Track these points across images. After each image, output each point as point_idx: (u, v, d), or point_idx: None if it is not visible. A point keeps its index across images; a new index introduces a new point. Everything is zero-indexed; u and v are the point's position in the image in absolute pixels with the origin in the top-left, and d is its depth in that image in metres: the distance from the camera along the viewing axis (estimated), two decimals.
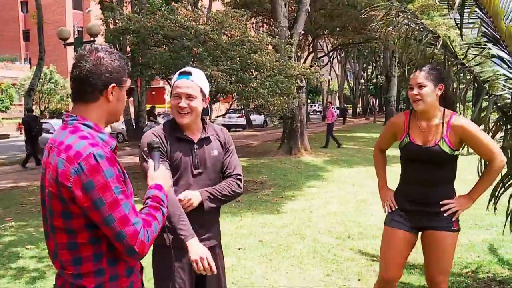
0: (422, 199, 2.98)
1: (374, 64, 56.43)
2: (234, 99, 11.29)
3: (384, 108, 32.50)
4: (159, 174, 2.00)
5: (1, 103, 28.91)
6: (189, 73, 2.60)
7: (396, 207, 3.12)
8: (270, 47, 10.39)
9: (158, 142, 2.15)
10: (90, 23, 14.60)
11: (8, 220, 7.68)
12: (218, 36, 8.72)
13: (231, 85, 8.74)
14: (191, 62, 9.06)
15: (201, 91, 2.63)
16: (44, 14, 18.15)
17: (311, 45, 30.94)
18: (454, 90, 3.90)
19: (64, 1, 43.47)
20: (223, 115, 12.09)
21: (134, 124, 24.77)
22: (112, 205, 1.62)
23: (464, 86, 3.89)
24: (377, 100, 55.87)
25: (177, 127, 2.66)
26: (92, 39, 15.17)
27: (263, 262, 5.23)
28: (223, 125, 28.41)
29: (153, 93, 40.77)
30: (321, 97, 52.40)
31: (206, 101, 2.69)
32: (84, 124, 1.74)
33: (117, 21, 10.11)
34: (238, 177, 2.81)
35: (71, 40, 15.48)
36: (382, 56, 37.00)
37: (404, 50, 4.18)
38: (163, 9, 8.84)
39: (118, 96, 1.82)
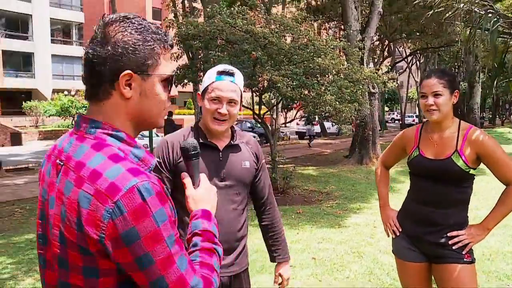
0: (429, 222, 2.56)
1: (456, 70, 53.55)
2: (301, 106, 10.89)
3: (466, 116, 30.58)
4: (202, 193, 1.44)
5: (86, 110, 30.42)
6: (233, 74, 2.21)
7: (400, 230, 2.71)
8: (337, 51, 9.87)
9: (195, 145, 1.53)
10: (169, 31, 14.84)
11: None
12: (278, 39, 8.35)
13: (292, 91, 8.33)
14: (252, 67, 8.77)
15: (241, 95, 2.27)
16: None
17: (386, 49, 29.77)
18: None
19: (145, 13, 45.25)
20: (289, 122, 11.67)
21: None
22: (165, 263, 1.10)
23: None
24: (459, 108, 52.69)
25: (200, 131, 2.29)
26: None
27: (312, 282, 4.76)
28: (296, 132, 28.22)
29: (260, 99, 41.03)
30: (400, 105, 50.42)
31: (241, 106, 2.33)
32: (112, 136, 1.18)
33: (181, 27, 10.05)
34: (270, 199, 2.51)
35: None
36: (464, 61, 34.89)
37: (492, 55, 3.60)
38: (223, 13, 8.63)
39: (141, 89, 1.20)
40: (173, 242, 1.12)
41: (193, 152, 1.51)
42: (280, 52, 8.72)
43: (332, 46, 9.47)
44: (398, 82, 47.85)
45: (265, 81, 8.73)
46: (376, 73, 10.22)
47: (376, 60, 32.00)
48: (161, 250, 1.09)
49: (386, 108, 59.41)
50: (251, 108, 10.35)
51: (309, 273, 4.99)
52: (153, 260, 1.09)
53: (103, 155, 1.13)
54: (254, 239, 5.28)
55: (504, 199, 2.50)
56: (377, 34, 24.66)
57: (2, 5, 37.15)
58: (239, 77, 2.26)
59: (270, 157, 10.44)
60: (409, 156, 2.68)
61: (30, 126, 34.71)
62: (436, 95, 2.50)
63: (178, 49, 10.89)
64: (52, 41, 41.47)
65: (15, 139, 30.15)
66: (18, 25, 39.46)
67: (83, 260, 1.12)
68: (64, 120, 33.44)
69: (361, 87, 9.41)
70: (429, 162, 2.56)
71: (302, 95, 8.62)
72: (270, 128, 10.84)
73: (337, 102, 9.23)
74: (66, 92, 35.20)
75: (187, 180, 1.48)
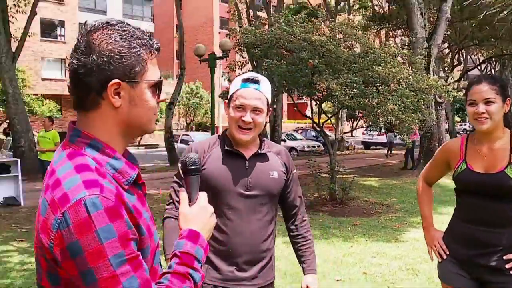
0: (480, 243, 2.32)
1: None
2: (362, 116, 10.65)
3: None
4: (195, 211, 1.32)
5: None
6: (258, 81, 2.17)
7: (448, 253, 2.48)
8: (399, 59, 9.55)
9: (197, 160, 1.44)
10: (224, 40, 15.08)
11: None
12: (336, 47, 8.20)
13: (351, 100, 8.15)
14: (310, 76, 8.67)
15: (267, 103, 2.21)
16: (194, 35, 19.24)
17: (456, 57, 28.54)
18: None
19: (212, 22, 46.28)
20: (349, 132, 11.48)
21: (269, 138, 25.14)
22: (108, 283, 1.04)
23: None
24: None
25: (227, 139, 2.27)
26: (222, 54, 15.73)
27: None
28: (362, 142, 27.71)
29: (295, 108, 41.22)
30: None
31: (269, 114, 2.28)
32: (90, 145, 1.16)
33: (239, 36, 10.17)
34: (301, 210, 2.46)
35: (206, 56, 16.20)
36: None
37: None
38: (281, 21, 8.62)
39: (130, 97, 1.17)
40: (123, 262, 1.05)
41: (191, 167, 1.41)
42: (339, 60, 8.57)
43: (393, 54, 9.18)
44: None
45: (324, 90, 8.61)
46: (441, 81, 9.76)
47: (446, 68, 30.80)
48: (104, 269, 1.03)
49: (458, 119, 56.89)
50: (311, 117, 10.24)
51: None
52: (96, 278, 1.03)
53: (72, 164, 1.11)
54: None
55: None
56: (446, 41, 23.70)
57: (82, 19, 39.44)
58: (265, 85, 2.21)
59: (329, 167, 10.26)
60: (455, 171, 2.45)
61: None
62: (487, 102, 2.29)
63: (243, 58, 11.01)
64: None
65: None
66: None
67: (47, 266, 1.11)
68: None
69: (423, 96, 9.03)
70: (479, 177, 2.34)
71: (361, 104, 8.40)
72: (329, 137, 10.66)
73: (400, 112, 8.94)
74: None
75: (183, 196, 1.37)
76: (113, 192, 1.08)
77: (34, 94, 30.01)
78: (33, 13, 15.32)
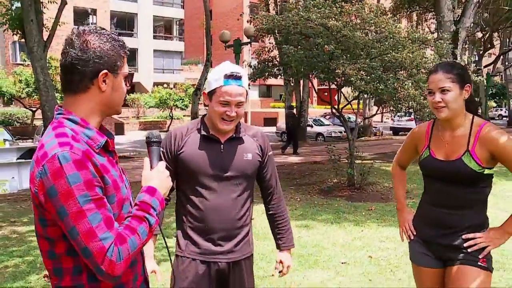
0: (443, 224, 2.42)
1: None
2: (385, 101, 10.57)
3: None
4: (154, 173, 1.67)
5: (182, 102, 31.85)
6: (240, 77, 2.31)
7: (415, 233, 2.58)
8: (418, 43, 9.42)
9: (158, 136, 1.78)
10: (248, 26, 15.12)
11: None
12: (352, 32, 8.17)
13: (367, 85, 8.13)
14: (327, 61, 8.68)
15: (247, 94, 2.36)
16: (224, 21, 19.22)
17: (489, 40, 27.69)
18: None
19: (242, 8, 46.22)
20: (371, 117, 11.41)
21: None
22: (76, 216, 1.38)
23: None
24: None
25: (204, 125, 2.42)
26: (248, 40, 15.81)
27: (361, 281, 4.68)
28: (391, 128, 27.36)
29: (325, 93, 40.94)
30: (508, 100, 46.40)
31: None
32: (69, 119, 1.54)
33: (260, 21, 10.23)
34: (276, 188, 2.61)
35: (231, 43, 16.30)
36: None
37: None
38: (299, 6, 8.63)
39: (112, 84, 1.58)
40: (87, 201, 1.39)
41: (153, 140, 1.76)
42: (357, 46, 8.53)
43: (413, 39, 9.07)
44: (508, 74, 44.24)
45: (342, 75, 8.61)
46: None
47: (481, 51, 29.95)
48: (73, 205, 1.38)
49: (494, 104, 55.27)
50: (329, 102, 10.26)
51: (360, 272, 4.91)
52: (67, 213, 1.38)
53: (53, 132, 1.49)
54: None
55: None
56: (478, 24, 23.05)
57: (113, 7, 40.10)
58: (245, 79, 2.34)
59: (348, 152, 10.29)
60: (420, 156, 2.55)
61: (133, 117, 37.18)
62: (443, 91, 2.33)
63: (270, 43, 11.03)
64: (154, 37, 43.90)
65: (119, 129, 32.48)
66: (125, 23, 42.32)
67: (38, 212, 1.49)
68: (162, 111, 35.27)
69: None
70: (440, 164, 2.42)
71: (378, 90, 8.37)
72: (348, 123, 10.65)
73: (422, 97, 8.87)
74: (165, 85, 37.12)
75: (146, 162, 1.70)
76: (81, 150, 1.44)
77: None
78: (63, 3, 15.70)
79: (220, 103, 2.29)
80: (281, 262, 2.55)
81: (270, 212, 2.60)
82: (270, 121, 38.89)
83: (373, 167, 11.08)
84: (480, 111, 2.54)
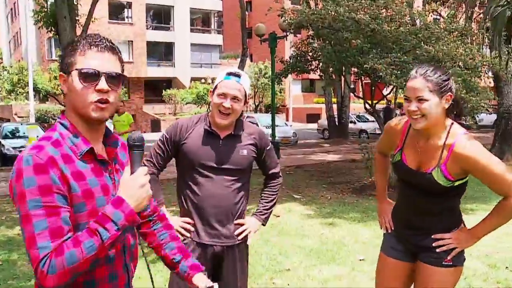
0: (415, 226, 2.60)
1: None
2: None
3: None
4: (129, 182, 1.57)
5: None
6: (239, 75, 2.76)
7: (393, 228, 2.76)
8: (455, 34, 9.52)
9: (140, 139, 1.68)
10: (281, 19, 15.44)
11: None
12: (380, 25, 8.39)
13: (398, 79, 8.35)
14: (356, 56, 8.94)
15: (245, 94, 2.79)
16: (264, 12, 19.53)
17: None
18: None
19: (283, 0, 46.42)
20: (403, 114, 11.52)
21: (336, 121, 25.25)
22: (24, 220, 1.47)
23: None
24: None
25: (207, 120, 2.85)
26: (284, 34, 16.14)
27: (374, 277, 4.97)
28: None
29: (372, 88, 40.34)
30: None
31: (245, 105, 2.87)
32: (61, 123, 1.65)
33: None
34: (274, 175, 3.07)
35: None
36: None
37: None
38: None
39: (69, 84, 1.62)
40: (38, 206, 1.45)
41: (132, 144, 1.66)
42: (388, 39, 8.75)
43: (449, 30, 9.19)
44: None
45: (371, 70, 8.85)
46: (495, 58, 9.60)
47: None
48: (23, 208, 1.46)
49: None
50: (362, 97, 10.50)
51: (375, 269, 5.20)
52: (20, 214, 1.48)
53: (44, 134, 1.63)
54: None
55: (498, 211, 2.44)
56: None
57: (148, 0, 41.12)
58: (244, 80, 2.78)
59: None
60: (393, 156, 2.60)
61: (169, 113, 38.21)
62: (420, 100, 2.30)
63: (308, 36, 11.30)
64: (191, 30, 44.73)
65: (155, 126, 33.52)
66: (161, 16, 43.40)
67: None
68: (200, 107, 36.11)
69: (478, 74, 9.00)
70: (409, 172, 2.50)
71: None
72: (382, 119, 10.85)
73: (464, 91, 8.98)
74: (203, 80, 37.91)
75: (126, 168, 1.64)
76: (48, 155, 1.51)
77: None
78: None
79: (218, 95, 2.73)
80: (242, 224, 2.89)
81: (263, 190, 3.08)
82: (313, 117, 39.00)
83: None
84: (464, 116, 2.56)
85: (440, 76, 2.35)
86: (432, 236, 2.53)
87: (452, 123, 2.42)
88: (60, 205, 1.49)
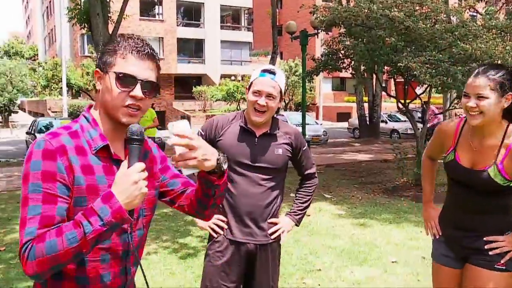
0: (466, 227, 2.55)
1: None
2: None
3: None
4: (123, 177, 1.48)
5: (243, 95, 32.69)
6: (274, 73, 2.76)
7: (440, 233, 2.71)
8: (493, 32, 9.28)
9: (139, 132, 1.57)
10: (313, 17, 15.38)
11: None
12: (415, 23, 8.24)
13: (432, 78, 8.19)
14: (390, 54, 8.82)
15: (280, 92, 2.78)
16: (295, 9, 19.47)
17: None
18: None
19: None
20: (441, 113, 11.34)
21: (367, 120, 25.00)
22: (22, 201, 1.49)
23: None
24: None
25: (243, 118, 2.87)
26: (315, 31, 16.07)
27: (408, 280, 4.93)
28: None
29: (406, 87, 39.82)
30: None
31: (281, 102, 2.85)
32: (84, 116, 1.68)
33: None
34: (309, 176, 3.06)
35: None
36: None
37: None
38: None
39: (104, 83, 1.62)
40: (37, 191, 1.47)
41: (130, 137, 1.56)
42: (423, 37, 8.60)
43: (488, 27, 8.98)
44: None
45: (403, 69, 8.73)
46: None
47: None
48: (24, 189, 1.49)
49: None
50: (395, 96, 10.36)
51: (407, 272, 5.16)
52: (22, 195, 1.50)
53: (64, 124, 1.66)
54: None
55: None
56: None
57: None
58: (280, 77, 2.77)
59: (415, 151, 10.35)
60: (446, 157, 2.60)
61: (199, 110, 38.50)
62: (479, 97, 2.32)
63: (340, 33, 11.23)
64: (222, 27, 44.94)
65: None
66: (192, 13, 43.75)
67: None
68: (230, 104, 36.24)
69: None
70: (464, 171, 2.49)
71: (446, 83, 8.40)
72: (415, 119, 10.68)
73: None
74: (233, 78, 38.04)
75: (124, 162, 1.54)
76: (60, 142, 1.53)
77: None
78: None
79: (253, 93, 2.74)
80: (275, 224, 2.88)
81: (298, 190, 3.08)
82: (343, 116, 38.77)
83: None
84: None
85: (503, 75, 2.34)
86: (485, 238, 2.49)
87: (508, 124, 2.43)
88: (59, 194, 1.49)
